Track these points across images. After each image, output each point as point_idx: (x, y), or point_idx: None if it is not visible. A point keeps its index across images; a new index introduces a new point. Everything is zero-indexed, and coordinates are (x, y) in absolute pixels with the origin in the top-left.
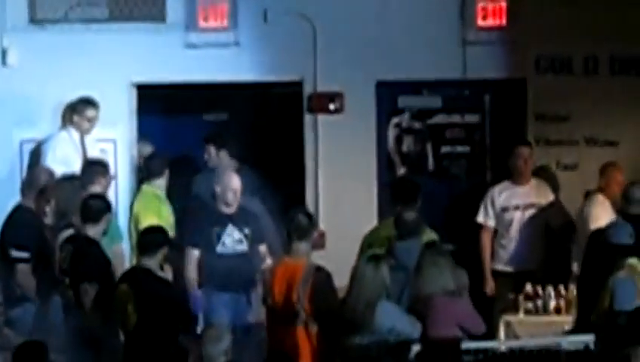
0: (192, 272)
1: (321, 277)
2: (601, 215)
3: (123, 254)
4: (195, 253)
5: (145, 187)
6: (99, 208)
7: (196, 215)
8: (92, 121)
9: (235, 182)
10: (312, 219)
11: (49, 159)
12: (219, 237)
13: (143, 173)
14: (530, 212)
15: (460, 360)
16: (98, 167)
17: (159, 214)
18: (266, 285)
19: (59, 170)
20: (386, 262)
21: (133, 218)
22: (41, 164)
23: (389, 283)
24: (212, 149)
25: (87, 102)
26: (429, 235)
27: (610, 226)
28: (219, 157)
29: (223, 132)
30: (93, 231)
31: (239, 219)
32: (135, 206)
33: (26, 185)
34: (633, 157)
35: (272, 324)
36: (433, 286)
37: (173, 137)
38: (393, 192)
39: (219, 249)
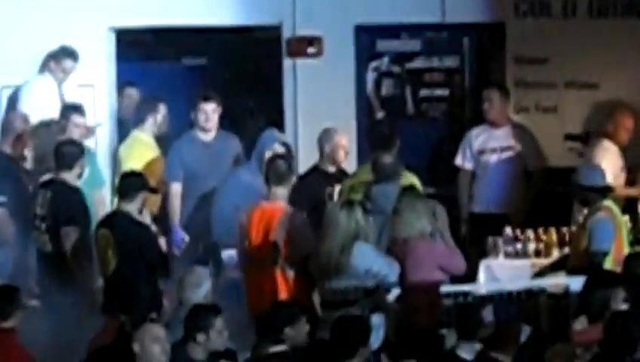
0: None
1: (298, 221)
2: (607, 162)
3: (104, 199)
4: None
5: (133, 132)
6: (72, 154)
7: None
8: (67, 72)
9: (344, 139)
10: (290, 164)
11: (25, 104)
12: (330, 197)
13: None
14: (508, 155)
15: (440, 303)
16: (75, 112)
17: (142, 159)
18: (243, 229)
19: (35, 116)
20: (359, 205)
21: (117, 163)
22: (16, 109)
23: (363, 226)
24: (211, 107)
25: (67, 53)
26: (409, 179)
27: (582, 169)
28: (214, 117)
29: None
30: (68, 176)
31: (341, 176)
32: (119, 150)
33: (2, 131)
34: (612, 99)
35: (248, 268)
36: (411, 230)
37: (152, 82)
38: (370, 136)
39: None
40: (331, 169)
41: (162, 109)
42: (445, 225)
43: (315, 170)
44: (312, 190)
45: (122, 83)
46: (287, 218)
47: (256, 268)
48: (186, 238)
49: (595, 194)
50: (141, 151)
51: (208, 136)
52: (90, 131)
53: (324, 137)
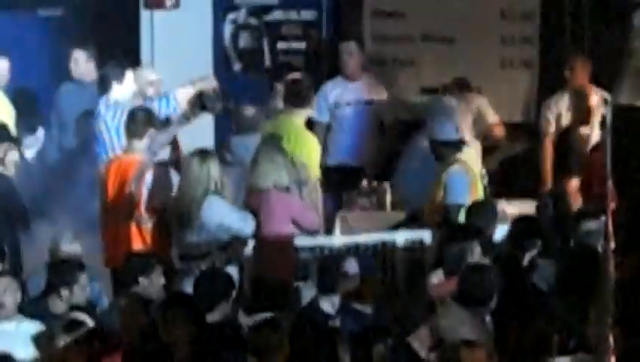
0: None
1: (154, 173)
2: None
3: None
4: None
5: None
6: None
7: None
8: None
9: None
10: (150, 117)
11: None
12: None
13: None
14: (363, 108)
15: (294, 256)
16: None
17: None
18: (101, 181)
19: None
20: (214, 156)
21: None
22: None
23: (216, 177)
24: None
25: None
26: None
27: (436, 124)
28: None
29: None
30: None
31: None
32: None
33: None
34: (468, 53)
35: (104, 220)
36: (265, 180)
37: (6, 33)
38: (288, 93)
39: None
40: None
41: None
42: (306, 180)
43: None
44: None
45: None
46: (144, 170)
47: (112, 220)
48: None
49: (449, 148)
50: None
51: None
52: None
53: None
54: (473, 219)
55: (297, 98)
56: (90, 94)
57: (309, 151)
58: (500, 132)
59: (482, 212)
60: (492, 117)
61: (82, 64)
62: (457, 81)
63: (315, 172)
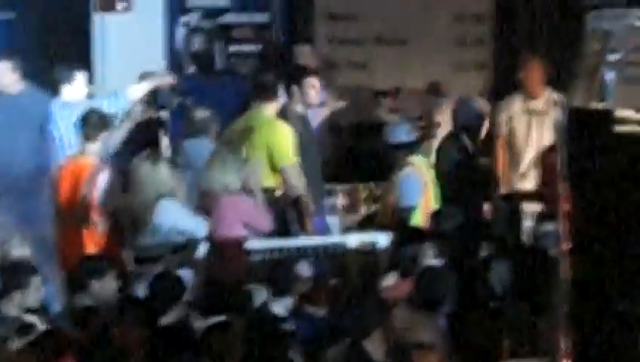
0: None
1: (107, 175)
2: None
3: None
4: None
5: None
6: None
7: None
8: None
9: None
10: (103, 120)
11: None
12: None
13: None
14: (317, 110)
15: (246, 258)
16: None
17: None
18: (54, 184)
19: None
20: (164, 159)
21: None
22: None
23: (168, 181)
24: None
25: None
26: None
27: (389, 126)
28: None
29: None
30: None
31: None
32: None
33: None
34: (421, 55)
35: (58, 223)
36: (216, 183)
37: None
38: (255, 87)
39: None
40: None
41: None
42: (258, 183)
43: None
44: None
45: None
46: (97, 173)
47: (65, 222)
48: None
49: (401, 150)
50: None
51: None
52: None
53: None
54: (439, 222)
55: (264, 92)
56: (15, 105)
57: (281, 139)
58: None
59: (448, 216)
60: None
61: (7, 75)
62: (433, 86)
63: (291, 157)
